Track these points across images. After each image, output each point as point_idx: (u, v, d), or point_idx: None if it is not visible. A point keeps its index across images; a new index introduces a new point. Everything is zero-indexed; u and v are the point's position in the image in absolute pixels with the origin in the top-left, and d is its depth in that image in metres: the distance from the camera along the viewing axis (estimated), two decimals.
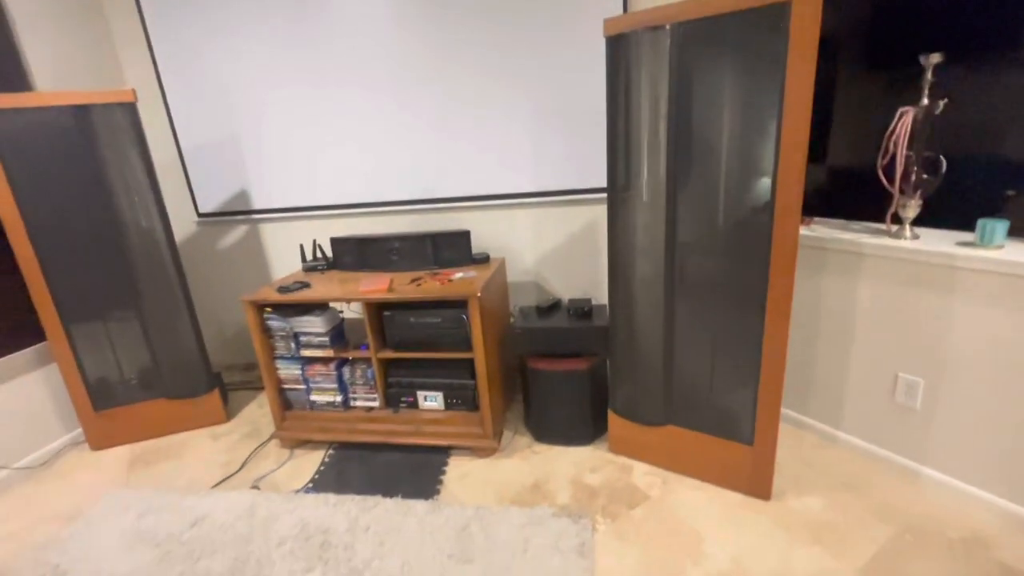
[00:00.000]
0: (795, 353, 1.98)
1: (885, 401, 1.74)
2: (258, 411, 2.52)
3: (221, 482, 2.00)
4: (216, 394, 2.40)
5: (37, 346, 2.18)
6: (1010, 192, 1.57)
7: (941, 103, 1.52)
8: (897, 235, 1.66)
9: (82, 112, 1.97)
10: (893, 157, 1.58)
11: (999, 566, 1.37)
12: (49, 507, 1.92)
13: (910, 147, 1.55)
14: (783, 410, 2.07)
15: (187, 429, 2.39)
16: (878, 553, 1.45)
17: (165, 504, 1.86)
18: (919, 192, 1.58)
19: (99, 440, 2.26)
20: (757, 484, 1.67)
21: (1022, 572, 1.35)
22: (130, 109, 2.04)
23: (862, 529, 1.53)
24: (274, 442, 2.22)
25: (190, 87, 2.57)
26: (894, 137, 1.55)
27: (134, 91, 2.03)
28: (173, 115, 2.64)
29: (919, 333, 1.62)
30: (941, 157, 1.54)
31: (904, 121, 1.53)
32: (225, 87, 2.53)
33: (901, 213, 1.65)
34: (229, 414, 2.52)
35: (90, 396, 2.21)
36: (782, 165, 1.37)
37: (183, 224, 2.86)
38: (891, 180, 1.61)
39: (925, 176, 1.56)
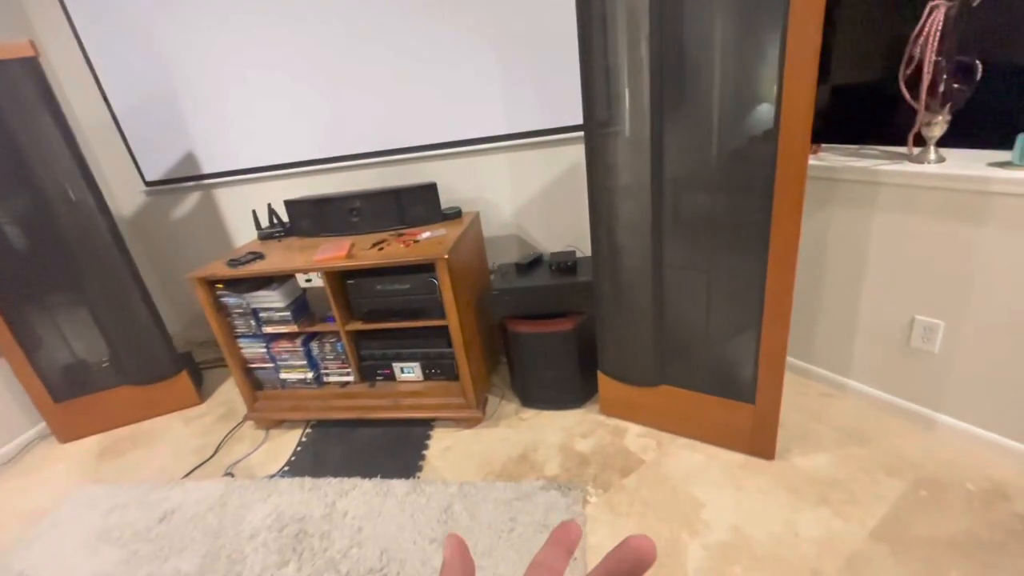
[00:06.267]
0: (800, 297, 1.81)
1: (899, 346, 1.59)
2: (234, 390, 2.39)
3: (193, 470, 1.89)
4: (185, 376, 2.26)
5: None
6: None
7: None
8: (919, 159, 1.45)
9: None
10: (919, 64, 1.33)
11: (1022, 520, 1.27)
12: (14, 506, 1.82)
13: (940, 50, 1.30)
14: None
15: (159, 414, 2.27)
16: (890, 511, 1.34)
17: (133, 498, 1.75)
18: (948, 105, 1.35)
19: (66, 432, 2.15)
20: (759, 444, 1.54)
21: None
22: (31, 65, 1.76)
23: (873, 486, 1.42)
24: (249, 424, 2.10)
25: (112, 39, 2.25)
26: (921, 38, 1.30)
27: (32, 43, 1.74)
28: (98, 72, 2.34)
29: (941, 270, 1.43)
30: (976, 61, 1.30)
31: (934, 18, 1.27)
32: (152, 37, 2.21)
33: (925, 132, 1.42)
34: (204, 394, 2.39)
35: (47, 387, 2.07)
36: (788, 83, 1.14)
37: (131, 195, 2.62)
38: (914, 93, 1.37)
39: (956, 85, 1.32)
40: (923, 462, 1.47)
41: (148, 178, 2.54)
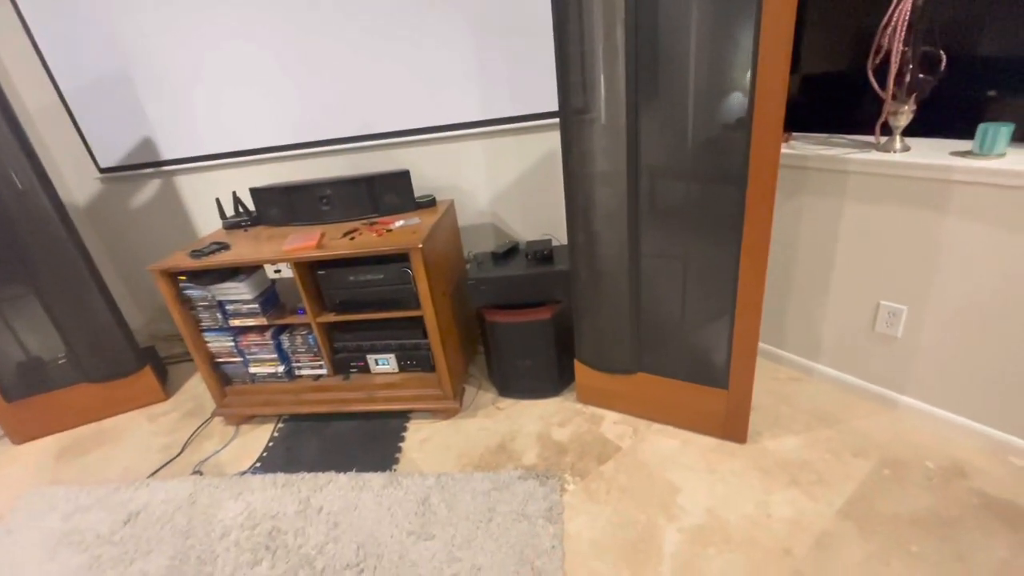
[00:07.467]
0: (771, 283, 1.84)
1: (865, 330, 1.63)
2: (201, 385, 2.31)
3: (160, 469, 1.82)
4: (148, 371, 2.17)
5: None
6: (991, 92, 1.37)
7: None
8: (886, 147, 1.47)
9: None
10: (887, 54, 1.35)
11: (978, 495, 1.33)
12: None
13: (906, 41, 1.32)
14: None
15: (121, 412, 2.18)
16: (856, 491, 1.38)
17: (95, 500, 1.68)
18: (914, 95, 1.38)
19: (19, 433, 2.04)
20: (732, 428, 1.57)
21: (1001, 500, 1.31)
22: None
23: (840, 466, 1.46)
24: (218, 420, 2.04)
25: (59, 14, 2.10)
26: (889, 29, 1.32)
27: None
28: (43, 50, 2.18)
29: (905, 257, 1.47)
30: (941, 52, 1.32)
31: (902, 8, 1.29)
32: (104, 13, 2.07)
33: (892, 121, 1.45)
34: (170, 390, 2.31)
35: None
36: (761, 71, 1.14)
37: (84, 182, 2.48)
38: (882, 83, 1.40)
39: (921, 75, 1.35)
40: (887, 442, 1.53)
41: (103, 164, 2.41)
